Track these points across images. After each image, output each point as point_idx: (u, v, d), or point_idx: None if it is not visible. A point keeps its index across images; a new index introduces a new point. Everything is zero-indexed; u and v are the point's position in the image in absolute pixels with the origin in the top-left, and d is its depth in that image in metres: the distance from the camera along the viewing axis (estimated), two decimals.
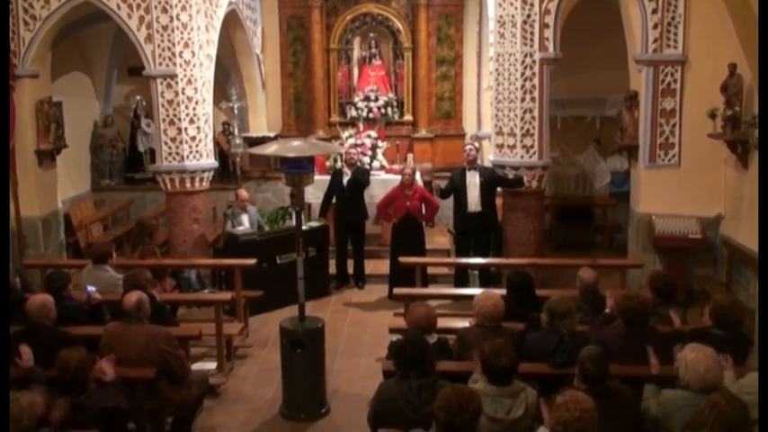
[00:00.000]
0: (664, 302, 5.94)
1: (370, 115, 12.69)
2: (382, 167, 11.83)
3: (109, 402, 4.71)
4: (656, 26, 8.59)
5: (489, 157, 10.23)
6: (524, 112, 9.23)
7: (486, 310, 5.50)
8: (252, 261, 8.43)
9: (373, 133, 12.22)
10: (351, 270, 10.34)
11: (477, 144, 10.80)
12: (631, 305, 5.31)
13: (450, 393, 3.84)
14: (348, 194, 9.98)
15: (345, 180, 10.01)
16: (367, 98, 12.78)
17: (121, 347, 5.51)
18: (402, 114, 13.14)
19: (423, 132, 13.03)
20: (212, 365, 7.30)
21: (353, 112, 12.85)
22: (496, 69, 9.47)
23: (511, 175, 9.38)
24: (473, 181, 9.50)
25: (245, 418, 6.62)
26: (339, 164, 11.43)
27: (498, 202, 9.78)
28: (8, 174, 6.10)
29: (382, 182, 10.64)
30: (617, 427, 4.00)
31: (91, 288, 6.59)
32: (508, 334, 5.30)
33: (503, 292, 6.29)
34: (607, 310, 5.89)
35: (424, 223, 9.85)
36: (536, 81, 9.16)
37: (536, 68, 9.12)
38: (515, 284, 6.45)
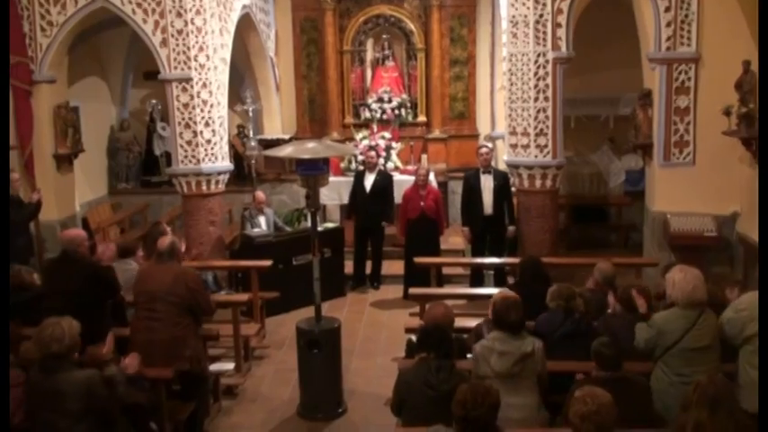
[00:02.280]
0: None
1: (384, 116, 12.72)
2: (396, 168, 11.87)
3: (131, 399, 4.85)
4: (669, 24, 8.58)
5: (503, 157, 10.24)
6: (538, 111, 9.24)
7: (503, 310, 5.55)
8: (268, 263, 8.49)
9: (387, 134, 12.27)
10: (367, 271, 10.40)
11: (491, 144, 10.80)
12: (629, 294, 5.66)
13: (467, 389, 3.90)
14: (370, 197, 10.01)
15: (367, 183, 10.03)
16: (380, 99, 12.82)
17: (152, 283, 5.92)
18: (416, 115, 13.15)
19: (436, 133, 13.04)
20: (230, 366, 7.37)
21: (367, 114, 12.89)
22: (509, 69, 9.48)
23: (525, 175, 9.37)
24: (487, 185, 9.56)
25: (263, 417, 6.68)
26: (357, 165, 11.51)
27: (514, 201, 9.80)
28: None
29: (396, 183, 10.68)
30: (631, 415, 4.11)
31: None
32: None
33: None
34: (609, 311, 5.96)
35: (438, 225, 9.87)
36: (549, 80, 9.16)
37: (549, 68, 9.12)
38: (525, 266, 6.93)
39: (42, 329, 4.37)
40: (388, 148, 12.01)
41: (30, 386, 4.35)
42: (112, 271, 6.36)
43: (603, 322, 5.70)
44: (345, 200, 10.59)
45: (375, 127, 12.52)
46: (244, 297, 8.06)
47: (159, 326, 5.77)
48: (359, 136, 12.31)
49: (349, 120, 13.21)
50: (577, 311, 5.63)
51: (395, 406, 5.00)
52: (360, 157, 11.45)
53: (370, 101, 12.92)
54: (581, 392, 3.88)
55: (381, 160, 11.54)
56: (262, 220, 9.91)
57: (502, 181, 9.57)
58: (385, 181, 10.12)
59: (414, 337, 5.91)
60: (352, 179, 10.51)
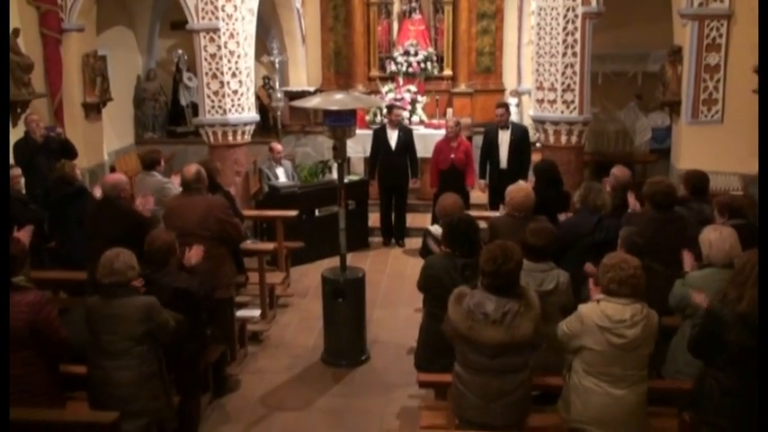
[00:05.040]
0: (697, 198, 6.21)
1: (410, 70, 12.65)
2: (421, 122, 11.87)
3: (182, 284, 5.06)
4: None
5: (529, 112, 10.21)
6: (565, 66, 9.18)
7: (517, 201, 5.79)
8: (293, 213, 8.58)
9: (413, 88, 12.24)
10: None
11: (510, 102, 10.75)
12: (659, 189, 5.70)
13: (496, 247, 4.10)
14: (396, 154, 10.01)
15: (391, 140, 10.02)
16: (406, 53, 12.73)
17: (182, 217, 6.00)
18: (441, 69, 13.06)
19: (462, 87, 12.97)
20: (256, 313, 7.53)
21: (393, 67, 12.82)
22: (538, 24, 9.40)
23: (551, 131, 9.36)
24: (505, 139, 9.59)
25: (287, 363, 6.85)
26: (380, 118, 11.49)
27: (536, 157, 9.80)
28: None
29: (421, 136, 10.68)
30: (652, 305, 4.21)
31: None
32: (536, 222, 5.44)
33: None
34: (630, 210, 6.08)
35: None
36: (578, 35, 9.08)
37: (578, 23, 9.03)
38: (541, 170, 7.01)
39: (104, 260, 4.52)
40: (413, 102, 11.99)
41: (90, 311, 4.52)
42: (151, 221, 6.40)
43: (627, 218, 5.79)
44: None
45: (401, 80, 12.48)
46: (269, 246, 8.20)
47: None
48: (384, 89, 12.29)
49: (374, 73, 13.16)
50: (605, 212, 5.71)
51: (420, 288, 5.18)
52: (385, 110, 11.43)
53: (396, 54, 12.84)
54: (612, 260, 4.12)
55: (406, 113, 11.53)
56: (280, 171, 9.97)
57: (519, 136, 9.58)
58: (408, 136, 10.11)
59: (431, 228, 5.97)
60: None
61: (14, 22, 9.19)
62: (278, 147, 10.17)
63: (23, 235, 5.89)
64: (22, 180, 8.56)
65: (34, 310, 4.34)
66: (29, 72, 9.25)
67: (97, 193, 7.04)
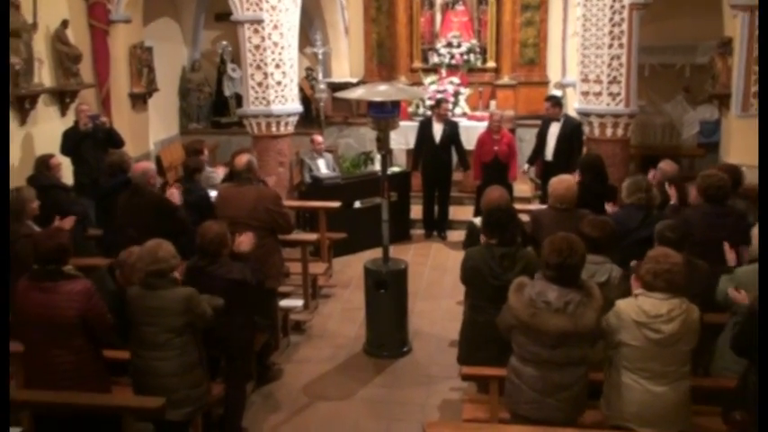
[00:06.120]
0: (732, 192, 6.01)
1: (453, 61, 12.59)
2: (464, 114, 11.81)
3: (237, 275, 5.10)
4: None
5: (574, 104, 10.09)
6: (612, 58, 9.05)
7: (559, 193, 5.76)
8: (336, 204, 8.61)
9: (456, 79, 12.18)
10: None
11: (557, 95, 10.64)
12: (712, 182, 5.59)
13: (560, 239, 4.07)
14: (440, 147, 9.97)
15: (436, 133, 9.96)
16: (449, 44, 12.68)
17: (233, 207, 6.10)
18: (485, 61, 12.98)
19: (505, 79, 12.87)
20: (299, 303, 7.58)
21: (436, 59, 12.78)
22: (584, 15, 9.27)
23: (596, 124, 9.26)
24: (554, 131, 9.53)
25: (330, 353, 6.90)
26: (422, 110, 11.46)
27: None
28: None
29: (464, 128, 10.62)
30: (694, 298, 4.16)
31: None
32: (579, 216, 5.39)
33: None
34: (672, 202, 5.99)
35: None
36: (625, 27, 8.95)
37: (625, 14, 8.90)
38: (586, 164, 6.92)
39: (148, 249, 4.59)
40: (456, 94, 11.94)
41: (129, 302, 4.59)
42: (180, 210, 6.46)
43: (672, 211, 5.75)
44: (413, 144, 10.59)
45: (443, 72, 12.43)
46: (312, 237, 8.25)
47: None
48: (427, 81, 12.25)
49: (417, 64, 13.13)
50: (653, 205, 5.65)
51: (462, 280, 5.17)
52: (428, 102, 11.41)
53: (439, 45, 12.79)
54: (654, 253, 4.09)
55: (449, 106, 11.49)
56: (321, 162, 10.01)
57: (569, 130, 9.47)
58: (454, 130, 10.05)
59: (475, 220, 5.94)
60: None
61: (63, 13, 9.35)
62: (318, 138, 10.21)
63: (66, 223, 5.98)
64: (72, 169, 8.77)
65: (84, 299, 4.43)
66: (77, 62, 9.41)
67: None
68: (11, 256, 4.92)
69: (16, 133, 8.58)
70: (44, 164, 7.42)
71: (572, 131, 9.48)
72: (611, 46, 9.03)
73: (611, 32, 8.99)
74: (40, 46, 8.90)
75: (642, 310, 3.98)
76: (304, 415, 5.89)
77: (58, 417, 4.57)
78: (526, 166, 10.09)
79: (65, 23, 9.25)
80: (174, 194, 6.50)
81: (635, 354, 4.03)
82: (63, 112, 9.38)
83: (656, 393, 4.04)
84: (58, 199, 6.82)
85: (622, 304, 4.09)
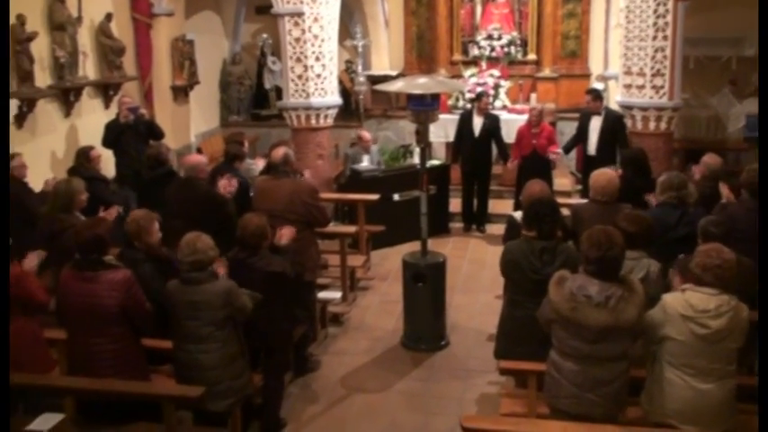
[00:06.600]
0: None
1: (493, 54, 12.49)
2: (504, 107, 11.72)
3: (276, 267, 5.12)
4: None
5: (616, 97, 9.95)
6: (655, 50, 8.91)
7: (599, 185, 5.69)
8: (375, 196, 8.61)
9: (496, 72, 12.08)
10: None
11: (599, 87, 10.50)
12: (758, 178, 5.43)
13: (598, 232, 4.03)
14: (479, 141, 9.89)
15: (476, 127, 9.89)
16: (490, 36, 12.58)
17: (270, 199, 6.10)
18: (525, 53, 12.87)
19: (546, 72, 12.75)
20: (337, 295, 7.60)
21: (476, 51, 12.69)
22: (627, 6, 9.13)
23: (639, 117, 9.13)
24: (595, 125, 9.38)
25: (367, 345, 6.90)
26: (462, 103, 11.39)
27: None
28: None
29: (504, 121, 10.54)
30: (742, 296, 4.08)
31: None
32: (620, 210, 5.32)
33: None
34: (723, 200, 5.85)
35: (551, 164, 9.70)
36: (669, 18, 8.80)
37: (669, 5, 8.74)
38: (628, 158, 6.83)
39: (187, 241, 4.63)
40: (496, 87, 11.84)
41: (171, 296, 4.64)
42: (229, 204, 6.49)
43: (720, 209, 5.59)
44: (452, 137, 10.54)
45: (484, 64, 12.35)
46: (351, 229, 8.27)
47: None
48: (467, 73, 12.18)
49: (457, 57, 13.08)
50: (689, 203, 5.51)
51: (502, 273, 5.14)
52: (468, 95, 11.35)
53: (479, 38, 12.71)
54: (707, 247, 4.04)
55: (490, 99, 11.40)
56: (365, 158, 10.00)
57: (611, 123, 9.32)
58: (494, 123, 9.96)
59: (515, 215, 5.89)
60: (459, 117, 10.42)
61: (107, 6, 9.49)
62: (366, 135, 10.14)
63: (110, 215, 6.07)
64: (113, 160, 8.89)
65: (124, 288, 4.49)
66: (120, 55, 9.55)
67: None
68: (60, 246, 5.01)
69: (61, 125, 8.76)
70: (84, 156, 7.52)
71: (614, 125, 9.34)
72: (655, 38, 8.89)
73: (655, 24, 8.84)
74: (85, 39, 9.06)
75: (689, 304, 3.91)
76: (341, 407, 5.91)
77: (101, 404, 4.65)
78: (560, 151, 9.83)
79: (109, 17, 9.40)
80: (226, 184, 6.54)
81: (680, 349, 3.96)
82: (106, 105, 9.54)
83: (701, 391, 3.96)
84: (97, 190, 6.91)
85: (669, 298, 4.03)
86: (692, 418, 3.99)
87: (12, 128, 7.69)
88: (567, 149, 9.88)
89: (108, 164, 8.67)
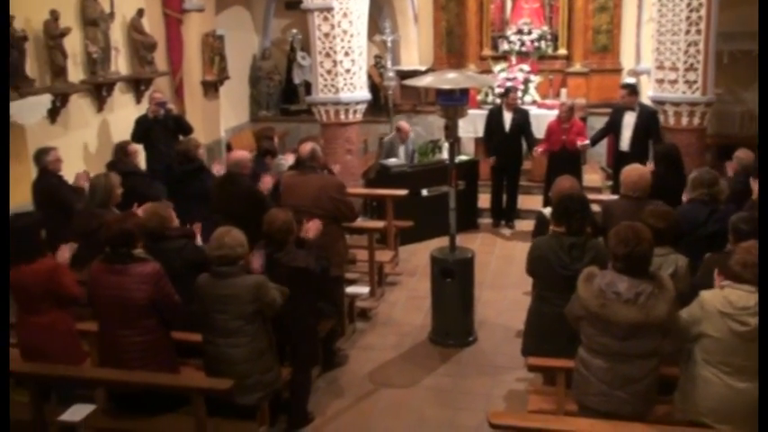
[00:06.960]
0: None
1: (523, 49, 12.43)
2: (534, 102, 11.64)
3: (301, 263, 5.14)
4: None
5: (648, 92, 9.84)
6: (689, 45, 8.80)
7: (631, 180, 5.65)
8: (404, 192, 8.60)
9: (526, 67, 12.01)
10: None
11: (631, 82, 10.38)
12: None
13: (625, 228, 4.00)
14: (509, 136, 9.85)
15: (506, 122, 9.82)
16: (520, 31, 12.50)
17: (297, 195, 6.16)
18: (556, 48, 12.77)
19: (577, 67, 12.64)
20: (365, 290, 7.61)
21: (506, 46, 12.63)
22: (660, 0, 9.03)
23: (671, 112, 9.02)
24: (629, 121, 9.21)
25: (395, 340, 6.91)
26: (491, 98, 11.33)
27: None
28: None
29: (534, 117, 10.47)
30: None
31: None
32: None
33: None
34: (754, 197, 5.75)
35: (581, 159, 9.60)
36: (703, 12, 8.68)
37: None
38: (661, 153, 6.78)
39: (216, 235, 4.68)
40: (526, 82, 11.77)
41: (201, 289, 4.68)
42: (269, 201, 6.49)
43: (751, 206, 5.46)
44: (481, 133, 10.50)
45: (513, 59, 12.28)
46: (379, 224, 8.27)
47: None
48: (497, 68, 12.11)
49: (487, 52, 13.01)
50: (720, 200, 5.44)
51: (528, 272, 5.13)
52: (497, 90, 11.29)
53: (509, 32, 12.64)
54: (747, 244, 3.98)
55: (519, 93, 11.33)
56: (401, 150, 10.00)
57: (645, 119, 9.18)
58: (523, 118, 9.90)
59: (545, 211, 5.86)
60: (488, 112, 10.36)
61: (139, 2, 9.58)
62: (406, 126, 10.20)
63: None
64: (144, 155, 8.97)
65: (153, 281, 4.54)
66: (152, 51, 9.64)
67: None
68: (97, 242, 5.07)
69: (93, 120, 8.86)
70: (122, 150, 7.60)
71: (648, 120, 9.20)
72: (688, 32, 8.77)
73: (688, 18, 8.73)
74: (117, 35, 9.16)
75: (728, 300, 3.85)
76: (368, 401, 5.92)
77: (132, 396, 4.70)
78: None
79: (140, 13, 9.48)
80: (268, 182, 6.59)
81: (717, 346, 3.90)
82: (138, 100, 9.63)
83: (737, 389, 3.90)
84: (136, 184, 6.98)
85: (707, 294, 3.97)
86: (727, 416, 3.93)
87: (45, 122, 7.81)
88: (593, 141, 9.74)
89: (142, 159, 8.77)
